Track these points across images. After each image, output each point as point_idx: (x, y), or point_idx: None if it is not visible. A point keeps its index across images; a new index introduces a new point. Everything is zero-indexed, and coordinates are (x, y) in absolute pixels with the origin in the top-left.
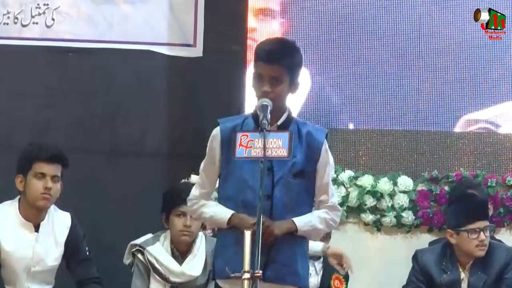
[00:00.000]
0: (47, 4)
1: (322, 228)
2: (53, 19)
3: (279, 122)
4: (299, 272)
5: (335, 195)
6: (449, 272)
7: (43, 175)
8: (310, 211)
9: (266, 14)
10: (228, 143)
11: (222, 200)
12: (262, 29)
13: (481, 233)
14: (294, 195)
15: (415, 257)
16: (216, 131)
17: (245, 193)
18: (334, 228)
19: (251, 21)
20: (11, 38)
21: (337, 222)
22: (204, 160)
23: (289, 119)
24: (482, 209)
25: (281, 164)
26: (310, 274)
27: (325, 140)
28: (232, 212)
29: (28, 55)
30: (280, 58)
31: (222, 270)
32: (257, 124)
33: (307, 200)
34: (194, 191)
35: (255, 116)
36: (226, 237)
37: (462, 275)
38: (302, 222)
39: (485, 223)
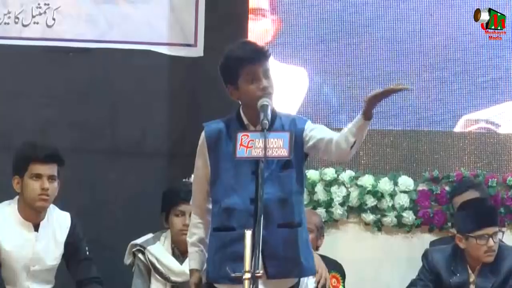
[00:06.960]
0: (48, 4)
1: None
2: (53, 19)
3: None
4: (303, 263)
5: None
6: (458, 274)
7: (39, 176)
8: (302, 199)
9: (262, 14)
10: (214, 147)
11: (213, 203)
12: (255, 29)
13: (490, 239)
14: (287, 187)
15: (425, 256)
16: (202, 136)
17: (230, 198)
18: (345, 148)
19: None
20: (11, 38)
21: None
22: (195, 170)
23: (273, 115)
24: (491, 215)
25: (266, 163)
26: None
27: (307, 122)
28: (192, 268)
29: (28, 55)
30: (266, 52)
31: (212, 273)
32: (241, 125)
33: (298, 189)
34: (192, 218)
35: (238, 117)
36: (214, 240)
37: (472, 277)
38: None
39: (494, 229)
